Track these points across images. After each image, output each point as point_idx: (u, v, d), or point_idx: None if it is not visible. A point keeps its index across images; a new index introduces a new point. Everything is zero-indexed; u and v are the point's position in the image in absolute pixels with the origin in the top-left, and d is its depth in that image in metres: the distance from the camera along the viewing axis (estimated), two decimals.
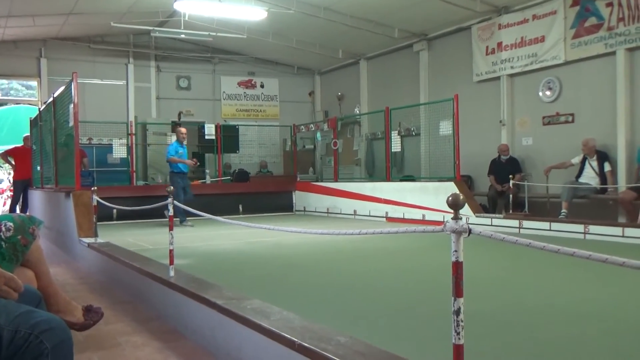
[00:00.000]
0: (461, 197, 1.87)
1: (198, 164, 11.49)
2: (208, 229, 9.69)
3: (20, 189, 12.39)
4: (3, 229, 2.62)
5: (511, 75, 10.88)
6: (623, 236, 6.96)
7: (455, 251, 1.86)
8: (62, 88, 8.54)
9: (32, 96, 14.39)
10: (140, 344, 3.62)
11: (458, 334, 1.86)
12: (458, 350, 1.87)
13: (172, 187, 4.58)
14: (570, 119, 9.92)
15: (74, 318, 2.95)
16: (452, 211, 1.88)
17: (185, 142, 10.61)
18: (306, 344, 2.51)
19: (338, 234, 2.65)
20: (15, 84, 14.43)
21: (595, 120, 9.50)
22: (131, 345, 3.60)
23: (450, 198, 1.86)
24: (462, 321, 1.86)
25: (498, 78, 11.06)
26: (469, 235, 1.85)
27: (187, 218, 10.07)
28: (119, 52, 14.72)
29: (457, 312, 1.86)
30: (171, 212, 4.46)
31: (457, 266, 1.86)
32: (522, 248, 6.03)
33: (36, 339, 1.57)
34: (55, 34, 13.52)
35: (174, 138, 13.85)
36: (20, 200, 12.40)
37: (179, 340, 3.71)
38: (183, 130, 10.79)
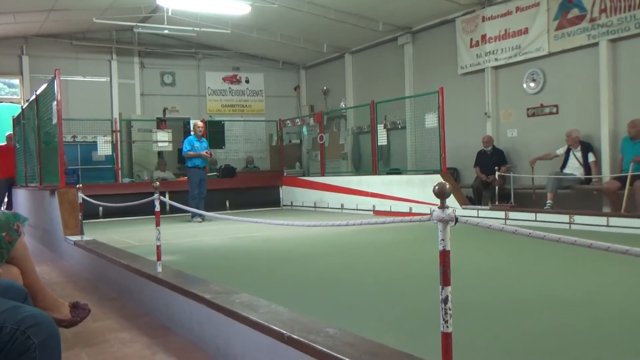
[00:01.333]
0: (447, 186, 1.88)
1: (212, 154, 11.21)
2: (195, 224, 9.65)
3: (5, 189, 12.26)
4: None
5: (495, 68, 10.94)
6: (608, 225, 7.03)
7: (442, 240, 1.87)
8: (44, 85, 8.46)
9: (14, 94, 14.22)
10: (128, 340, 3.61)
11: (446, 322, 1.88)
12: (447, 338, 1.89)
13: (158, 184, 4.56)
14: (554, 110, 10.00)
15: (61, 315, 2.94)
16: (438, 204, 1.88)
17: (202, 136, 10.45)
18: (295, 336, 2.52)
19: (325, 225, 2.66)
20: None
21: (579, 111, 9.58)
22: (119, 342, 3.58)
23: (436, 187, 1.87)
24: (450, 309, 1.87)
25: (482, 70, 11.11)
26: (455, 223, 1.86)
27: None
28: (102, 48, 14.59)
29: (445, 301, 1.87)
30: (157, 208, 4.44)
31: (444, 255, 1.87)
32: (508, 239, 6.08)
33: (23, 335, 1.55)
34: (36, 31, 13.38)
35: (159, 134, 13.86)
36: (5, 199, 12.28)
37: (168, 336, 3.70)
38: (200, 123, 10.59)
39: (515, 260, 5.40)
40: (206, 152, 10.28)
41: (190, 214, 10.07)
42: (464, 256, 5.27)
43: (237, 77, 16.40)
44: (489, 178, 9.94)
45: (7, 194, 12.28)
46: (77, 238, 6.79)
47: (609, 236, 6.64)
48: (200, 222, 9.90)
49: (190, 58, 15.68)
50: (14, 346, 1.55)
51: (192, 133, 10.64)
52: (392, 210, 10.05)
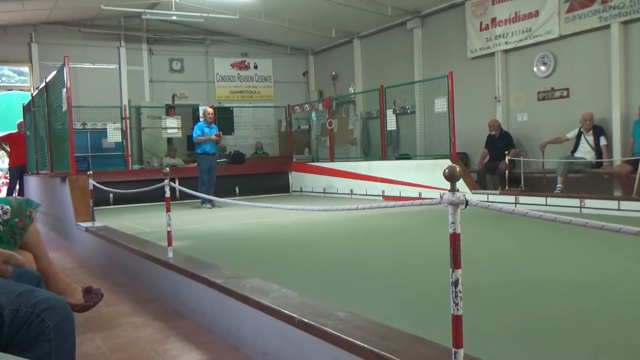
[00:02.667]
0: (457, 168, 1.87)
1: (221, 134, 11.09)
2: (205, 210, 9.70)
3: (16, 176, 12.34)
4: (0, 212, 2.62)
5: (505, 51, 10.84)
6: (619, 209, 7.00)
7: (453, 223, 1.87)
8: (54, 73, 8.48)
9: (24, 82, 14.28)
10: (140, 325, 3.65)
11: (457, 304, 1.88)
12: (457, 320, 1.89)
13: (168, 170, 4.57)
14: (565, 93, 9.91)
15: (74, 299, 2.96)
16: (448, 189, 1.88)
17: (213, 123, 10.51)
18: (306, 320, 2.53)
19: (335, 210, 2.66)
20: (6, 70, 14.31)
21: (590, 95, 9.49)
22: (132, 326, 3.62)
23: (446, 170, 1.87)
24: (460, 292, 1.87)
25: (492, 54, 11.02)
26: (465, 207, 1.85)
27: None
28: (110, 35, 14.59)
29: (456, 283, 1.87)
30: (168, 194, 4.46)
31: (455, 238, 1.87)
32: (518, 223, 6.05)
33: (37, 318, 1.57)
34: (45, 19, 13.38)
35: (168, 121, 13.89)
36: (17, 187, 12.35)
37: (179, 320, 3.73)
38: (210, 110, 10.63)
39: (525, 244, 5.39)
40: (216, 134, 10.31)
41: (200, 200, 10.13)
42: (474, 241, 5.27)
43: (246, 63, 16.36)
44: (495, 163, 9.89)
45: (18, 181, 12.37)
46: (88, 224, 6.84)
47: (620, 220, 6.60)
48: (210, 208, 9.95)
49: (198, 44, 15.64)
50: (29, 329, 1.57)
51: (201, 119, 10.66)
52: (401, 195, 10.05)
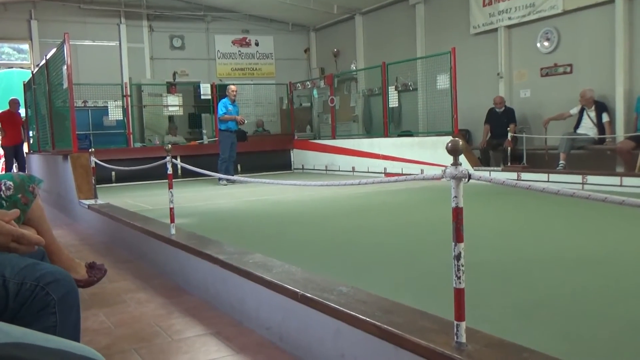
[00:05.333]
0: (460, 142, 1.87)
1: (245, 121, 11.39)
2: (207, 188, 9.71)
3: (12, 155, 12.26)
4: (3, 188, 2.61)
5: (509, 27, 10.74)
6: (621, 185, 7.00)
7: (455, 197, 1.87)
8: (54, 50, 8.43)
9: (24, 60, 14.20)
10: (144, 301, 3.68)
11: (459, 278, 1.89)
12: (459, 294, 1.90)
13: (170, 146, 4.57)
14: (568, 69, 9.85)
15: (78, 275, 2.96)
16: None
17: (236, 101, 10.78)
18: (309, 294, 2.55)
19: (338, 185, 2.66)
20: (6, 47, 14.23)
21: (594, 71, 9.43)
22: (136, 302, 3.65)
23: (449, 144, 1.86)
24: (462, 265, 1.88)
25: (495, 30, 10.92)
26: (468, 180, 1.85)
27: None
28: (110, 12, 14.47)
29: (458, 257, 1.88)
30: (170, 171, 4.46)
31: (457, 212, 1.87)
32: (521, 200, 6.04)
33: (42, 291, 1.57)
34: None
35: (169, 99, 13.84)
36: (14, 166, 12.24)
37: (182, 296, 3.76)
38: (233, 87, 10.84)
39: (528, 220, 5.39)
40: (240, 117, 10.63)
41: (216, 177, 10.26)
42: (476, 217, 5.27)
43: (247, 40, 16.24)
44: (499, 140, 9.85)
45: (15, 160, 12.29)
46: (90, 202, 6.85)
47: (623, 196, 6.57)
48: (226, 184, 10.02)
49: (199, 21, 15.52)
50: (34, 302, 1.57)
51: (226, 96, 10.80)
52: (403, 172, 10.04)
